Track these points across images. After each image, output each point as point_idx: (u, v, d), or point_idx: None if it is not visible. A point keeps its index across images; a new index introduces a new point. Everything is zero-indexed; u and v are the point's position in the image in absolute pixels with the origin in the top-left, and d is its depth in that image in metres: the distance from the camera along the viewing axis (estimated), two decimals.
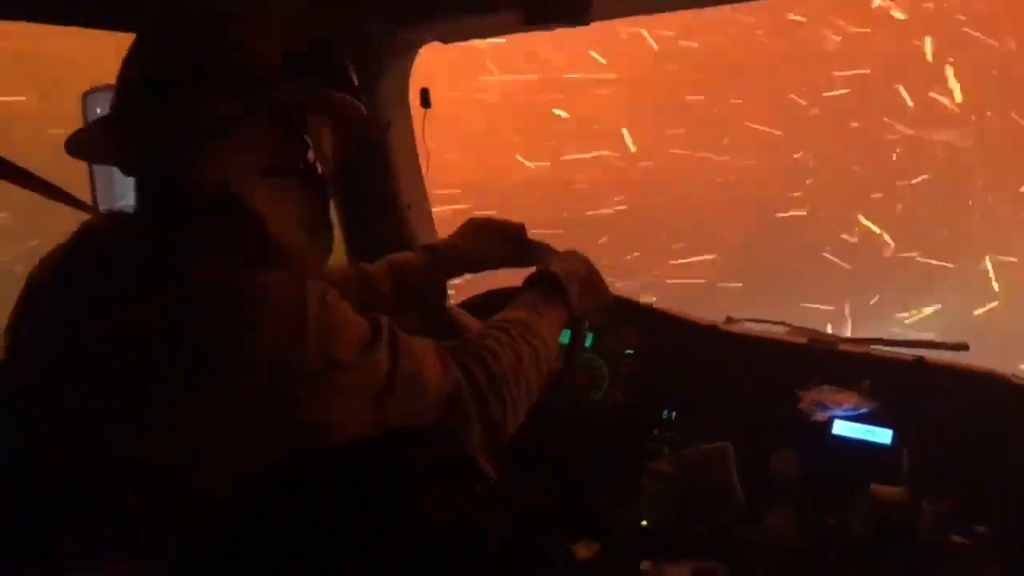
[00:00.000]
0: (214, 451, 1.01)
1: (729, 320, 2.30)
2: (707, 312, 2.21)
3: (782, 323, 2.21)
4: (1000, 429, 1.62)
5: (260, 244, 1.10)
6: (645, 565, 1.57)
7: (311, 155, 1.20)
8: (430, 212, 2.32)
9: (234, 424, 1.01)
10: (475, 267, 1.78)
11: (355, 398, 1.07)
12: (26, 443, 1.05)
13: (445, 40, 2.09)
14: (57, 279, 1.13)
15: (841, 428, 1.73)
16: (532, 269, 1.58)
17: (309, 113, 1.19)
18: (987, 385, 1.70)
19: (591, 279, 1.59)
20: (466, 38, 2.06)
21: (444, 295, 1.83)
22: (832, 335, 2.07)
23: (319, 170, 1.22)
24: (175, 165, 1.12)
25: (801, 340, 1.93)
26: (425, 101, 2.16)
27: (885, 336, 1.97)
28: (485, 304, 2.10)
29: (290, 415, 1.02)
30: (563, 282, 1.49)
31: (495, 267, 1.79)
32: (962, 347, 1.92)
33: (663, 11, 1.88)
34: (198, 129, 1.11)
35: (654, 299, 2.27)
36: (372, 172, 2.16)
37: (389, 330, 1.15)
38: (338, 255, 2.24)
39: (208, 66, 1.11)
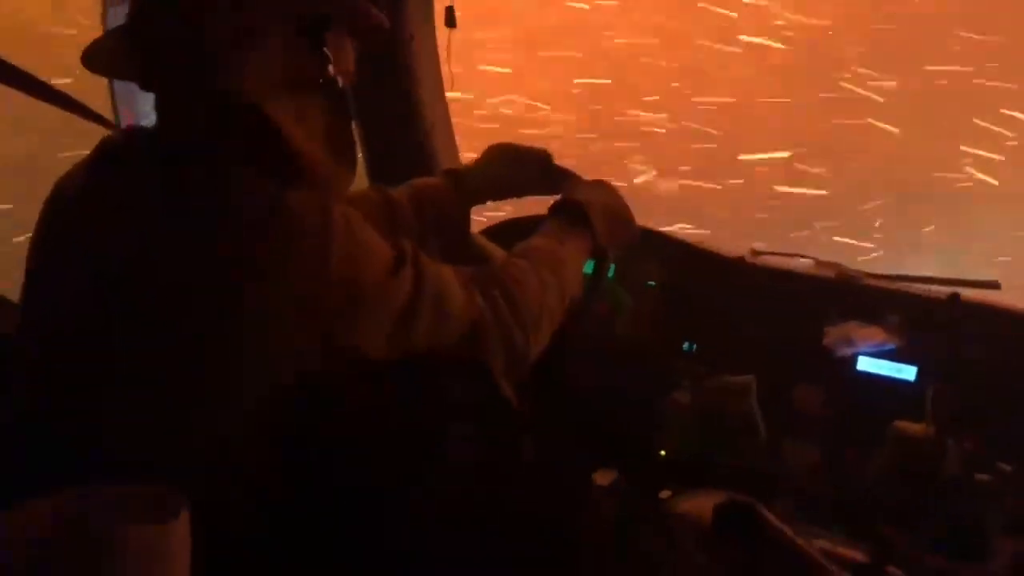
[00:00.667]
0: (247, 367, 1.00)
1: (754, 252, 2.26)
2: None
3: (809, 256, 2.18)
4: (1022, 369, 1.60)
5: (285, 161, 1.07)
6: (664, 494, 1.57)
7: (332, 69, 1.15)
8: (453, 135, 2.27)
9: (262, 340, 1.00)
10: (499, 194, 1.74)
11: (379, 320, 1.06)
12: (61, 359, 1.05)
13: None
14: (83, 196, 1.11)
15: (866, 364, 1.71)
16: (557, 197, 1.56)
17: (329, 26, 1.14)
18: (1016, 325, 1.66)
19: (618, 210, 1.55)
20: None
21: (467, 222, 1.80)
22: (859, 271, 2.03)
23: (340, 85, 1.18)
24: (195, 77, 1.08)
25: (828, 274, 1.89)
26: (450, 19, 2.10)
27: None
28: (508, 232, 2.06)
29: (317, 334, 1.01)
30: (588, 211, 1.46)
31: (520, 195, 1.75)
32: (994, 285, 1.88)
33: None
34: (218, 39, 1.06)
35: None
36: (393, 90, 2.11)
37: (413, 255, 1.13)
38: (360, 177, 2.22)
39: None
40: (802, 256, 2.18)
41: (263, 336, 1.00)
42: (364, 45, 1.24)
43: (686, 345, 1.92)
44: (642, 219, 1.58)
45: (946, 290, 1.80)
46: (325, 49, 1.14)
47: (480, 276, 1.23)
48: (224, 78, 1.07)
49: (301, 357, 1.01)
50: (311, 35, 1.12)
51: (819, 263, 2.09)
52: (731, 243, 2.17)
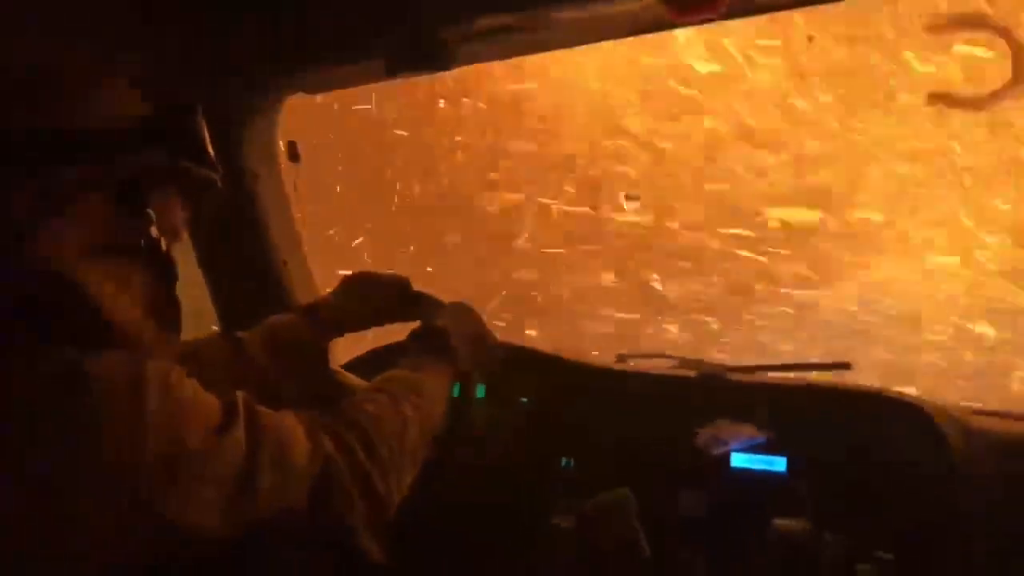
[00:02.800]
0: (65, 557, 0.89)
1: (621, 358, 2.29)
2: None
3: (670, 356, 2.22)
4: (886, 448, 1.64)
5: (92, 327, 0.99)
6: None
7: (155, 230, 1.10)
8: (308, 269, 2.23)
9: (75, 523, 0.89)
10: (359, 325, 1.71)
11: (213, 486, 0.97)
12: None
13: (310, 91, 2.03)
14: None
15: (739, 460, 1.72)
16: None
17: (153, 185, 1.09)
18: (868, 404, 1.72)
19: (479, 332, 1.55)
20: (332, 88, 2.00)
21: (326, 357, 1.75)
22: (720, 364, 2.08)
23: (163, 245, 1.12)
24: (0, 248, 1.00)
25: (691, 373, 1.92)
26: (293, 154, 2.09)
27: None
28: (371, 362, 2.02)
29: (143, 511, 0.91)
30: (450, 338, 1.44)
31: (380, 324, 1.73)
32: (844, 366, 1.96)
33: (521, 55, 1.87)
34: (23, 205, 0.99)
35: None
36: (240, 232, 2.06)
37: (246, 408, 1.05)
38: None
39: (34, 134, 1.00)
40: (665, 356, 2.22)
41: (76, 519, 0.89)
42: (194, 201, 1.20)
43: (564, 461, 1.88)
44: None
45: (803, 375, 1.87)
46: (148, 210, 1.09)
47: (332, 421, 1.17)
48: (31, 247, 1.00)
49: (126, 538, 0.91)
50: (127, 198, 1.06)
51: (683, 362, 2.14)
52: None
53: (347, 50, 1.75)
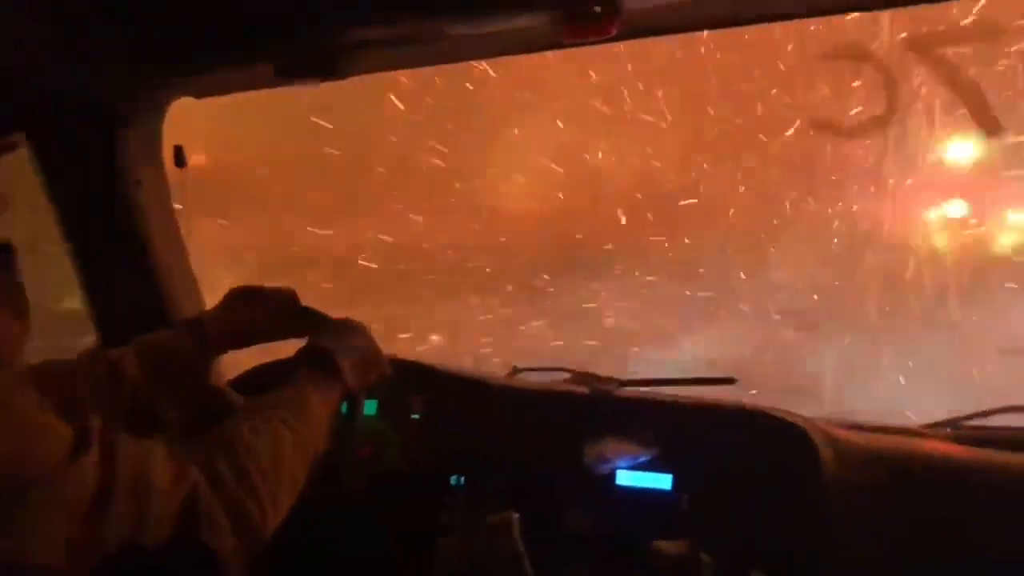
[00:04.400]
0: None
1: (514, 371, 2.29)
2: None
3: (564, 369, 2.23)
4: (763, 464, 1.68)
5: None
6: None
7: None
8: (194, 280, 2.14)
9: None
10: (243, 341, 1.65)
11: (57, 520, 0.90)
12: None
13: (197, 95, 1.95)
14: None
15: (625, 478, 1.74)
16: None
17: None
18: (747, 422, 1.76)
19: (368, 350, 1.52)
20: (218, 93, 1.92)
21: (208, 375, 1.68)
22: (611, 379, 2.10)
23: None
24: None
25: (583, 390, 1.93)
26: (179, 159, 2.01)
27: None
28: (255, 380, 1.95)
29: None
30: (336, 357, 1.40)
31: (265, 340, 1.67)
32: (729, 381, 2.00)
33: (416, 66, 1.84)
34: None
35: None
36: (120, 240, 1.96)
37: (101, 435, 0.98)
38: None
39: None
40: (562, 369, 2.23)
41: None
42: None
43: (454, 479, 1.86)
44: None
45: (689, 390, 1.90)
46: None
47: (204, 447, 1.12)
48: None
49: None
50: None
51: (575, 375, 2.15)
52: None
53: (235, 54, 1.69)
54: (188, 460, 1.07)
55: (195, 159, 2.05)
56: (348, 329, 1.53)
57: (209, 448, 1.12)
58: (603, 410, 1.86)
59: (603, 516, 1.72)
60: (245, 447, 1.14)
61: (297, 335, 1.61)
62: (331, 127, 5.27)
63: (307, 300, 1.67)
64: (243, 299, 1.65)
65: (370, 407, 1.97)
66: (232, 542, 1.07)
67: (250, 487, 1.11)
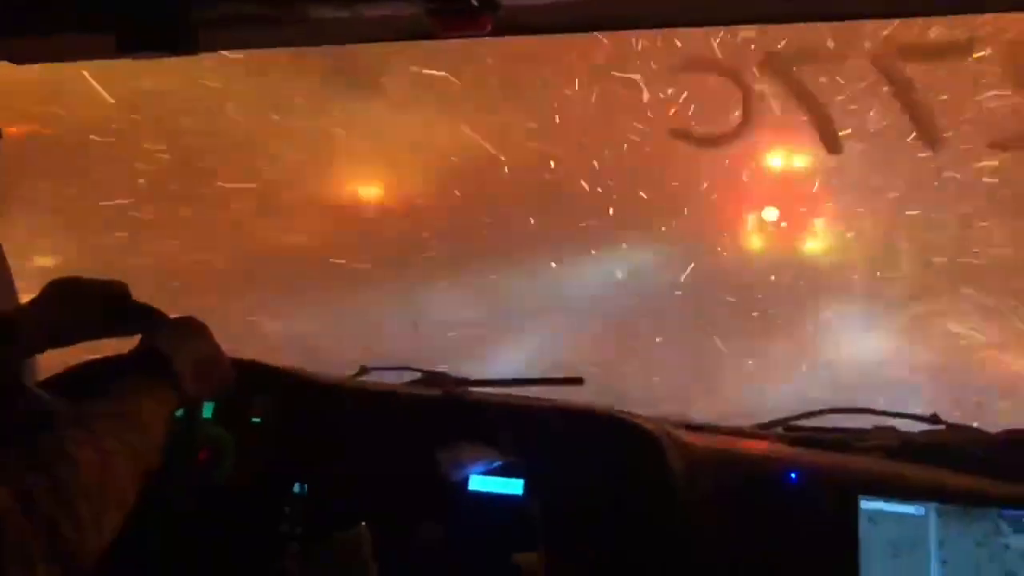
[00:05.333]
0: None
1: (363, 370, 2.22)
2: None
3: (414, 368, 2.19)
4: (614, 467, 1.71)
5: None
6: None
7: None
8: (8, 269, 1.91)
9: None
10: (63, 340, 1.48)
11: None
12: None
13: (18, 61, 1.74)
14: None
15: (477, 484, 1.72)
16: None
17: None
18: (599, 424, 1.79)
19: (209, 354, 1.40)
20: (44, 61, 1.73)
21: (21, 378, 1.50)
22: (462, 379, 2.08)
23: None
24: None
25: (435, 392, 1.89)
26: None
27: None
28: (79, 380, 1.77)
29: None
30: (171, 360, 1.28)
31: (90, 338, 1.51)
32: (576, 381, 2.03)
33: (272, 47, 1.76)
34: None
35: None
36: None
37: None
38: None
39: None
40: (411, 368, 2.19)
41: None
42: None
43: (297, 487, 1.77)
44: None
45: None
46: None
47: (11, 463, 0.99)
48: None
49: None
50: None
51: (427, 375, 2.11)
52: None
53: (66, 19, 1.53)
54: None
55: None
56: (187, 329, 1.40)
57: (19, 464, 0.98)
58: (454, 412, 1.83)
59: (455, 524, 1.69)
60: (64, 462, 1.01)
61: (127, 334, 1.47)
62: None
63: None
64: (65, 293, 1.48)
65: (206, 410, 1.84)
66: (46, 571, 0.95)
67: (69, 508, 0.98)
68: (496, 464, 1.71)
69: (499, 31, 1.43)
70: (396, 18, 1.46)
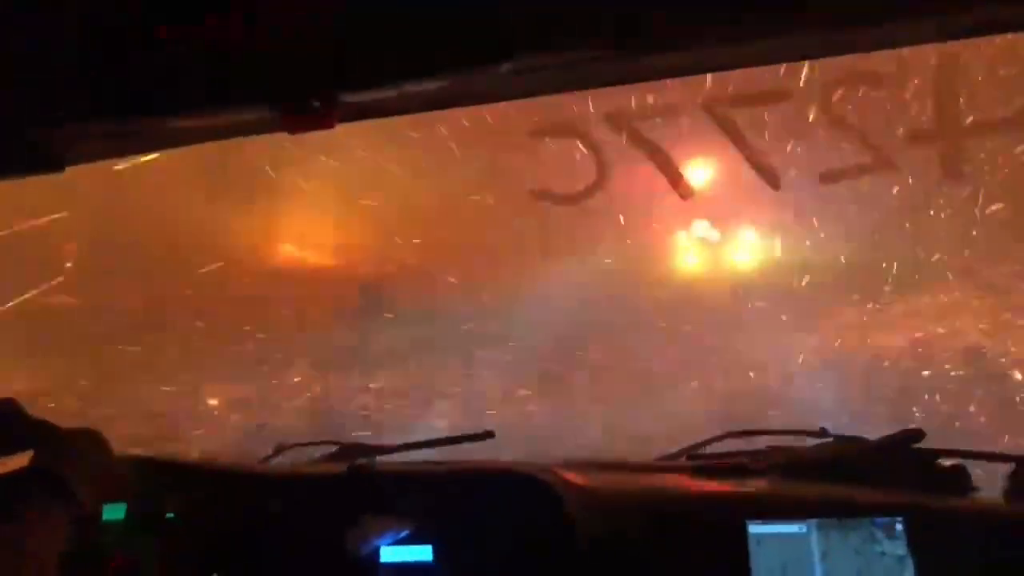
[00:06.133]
0: None
1: (279, 448, 2.25)
2: None
3: (333, 442, 2.22)
4: (514, 522, 1.74)
5: None
6: None
7: None
8: None
9: None
10: None
11: None
12: None
13: None
14: None
15: (388, 554, 1.75)
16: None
17: None
18: (496, 481, 1.83)
19: (104, 461, 1.41)
20: None
21: None
22: (377, 447, 2.13)
23: None
24: None
25: (341, 468, 1.92)
26: None
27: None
28: None
29: None
30: (65, 477, 1.30)
31: None
32: (488, 436, 2.08)
33: (144, 153, 1.79)
34: None
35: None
36: None
37: None
38: None
39: None
40: (327, 442, 2.22)
41: None
42: None
43: None
44: None
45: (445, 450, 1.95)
46: None
47: None
48: None
49: None
50: None
51: (342, 449, 2.15)
52: None
53: None
54: None
55: None
56: (79, 440, 1.42)
57: None
58: (364, 487, 1.86)
59: None
60: None
61: (18, 451, 1.47)
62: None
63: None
64: None
65: (118, 512, 1.85)
66: None
67: None
68: (403, 533, 1.75)
69: (346, 120, 1.50)
70: (247, 121, 1.51)
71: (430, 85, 1.41)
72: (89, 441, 1.43)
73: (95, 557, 1.64)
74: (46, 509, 1.27)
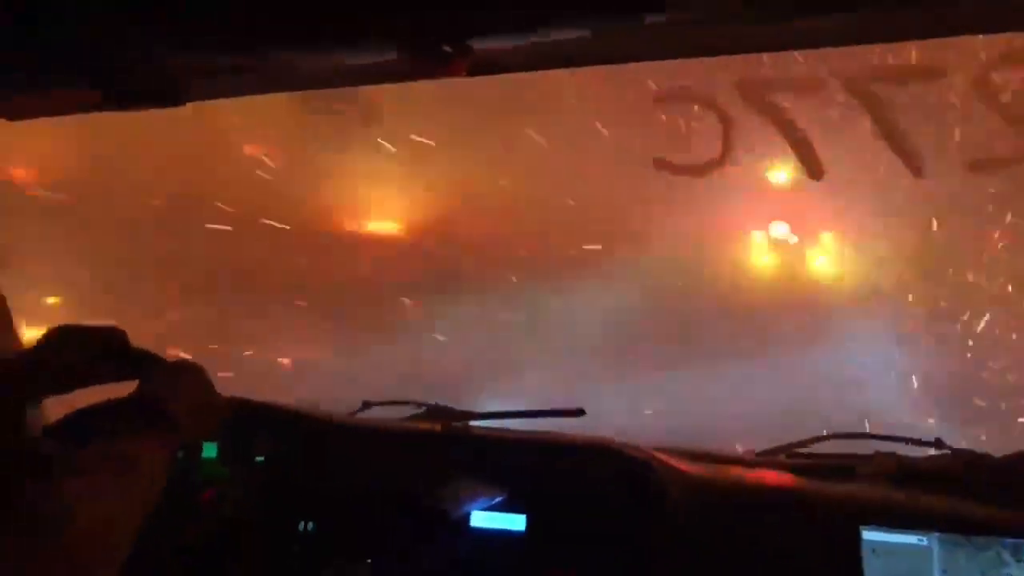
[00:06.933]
0: None
1: (364, 406, 2.23)
2: None
3: (415, 402, 2.20)
4: (612, 500, 1.69)
5: None
6: None
7: None
8: (8, 319, 1.94)
9: None
10: (64, 386, 1.51)
11: None
12: None
13: (12, 117, 1.78)
14: None
15: (479, 519, 1.71)
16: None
17: None
18: (598, 457, 1.77)
19: (203, 395, 1.42)
20: (32, 116, 1.76)
21: (21, 424, 1.52)
22: (463, 412, 2.08)
23: None
24: None
25: (435, 427, 1.89)
26: None
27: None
28: (79, 426, 1.79)
29: None
30: (169, 405, 1.30)
31: (86, 384, 1.53)
32: (578, 413, 2.02)
33: (265, 92, 1.77)
34: None
35: None
36: None
37: None
38: None
39: None
40: (413, 402, 2.19)
41: None
42: None
43: (302, 525, 1.78)
44: None
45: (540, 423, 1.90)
46: None
47: (10, 514, 1.01)
48: None
49: None
50: None
51: (430, 410, 2.11)
52: None
53: (54, 75, 1.56)
54: None
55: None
56: (182, 372, 1.43)
57: (19, 515, 1.01)
58: (455, 448, 1.83)
59: (457, 561, 1.68)
60: (65, 511, 1.04)
61: (126, 379, 1.49)
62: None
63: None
64: (64, 339, 1.50)
65: (210, 450, 1.86)
66: None
67: (65, 551, 1.01)
68: (497, 499, 1.71)
69: (474, 72, 1.44)
70: (373, 65, 1.47)
71: (568, 34, 1.35)
72: (193, 375, 1.44)
73: (191, 489, 1.65)
74: (153, 430, 1.27)
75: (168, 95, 1.55)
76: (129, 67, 1.51)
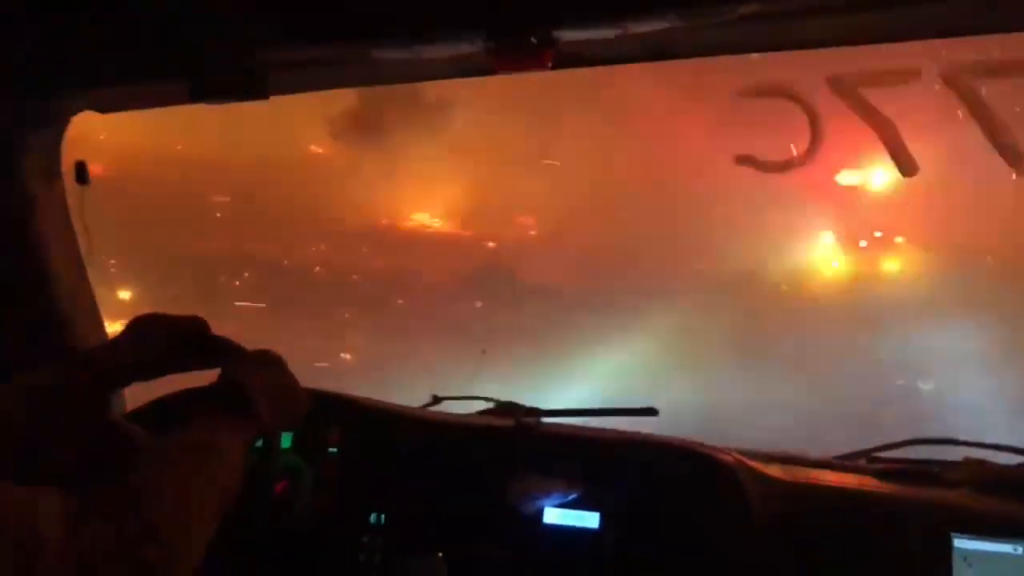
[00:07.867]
0: None
1: (435, 399, 2.23)
2: None
3: (486, 398, 2.19)
4: (690, 501, 1.67)
5: None
6: None
7: None
8: (95, 303, 1.99)
9: None
10: (147, 374, 1.54)
11: None
12: None
13: (102, 110, 1.83)
14: None
15: (552, 516, 1.70)
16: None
17: None
18: (676, 457, 1.75)
19: (283, 384, 1.43)
20: (125, 109, 1.81)
21: (106, 411, 1.56)
22: (533, 409, 2.07)
23: None
24: None
25: (508, 423, 1.88)
26: (81, 176, 1.88)
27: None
28: (162, 413, 1.83)
29: None
30: (249, 392, 1.32)
31: (171, 372, 1.56)
32: (651, 412, 1.99)
33: (340, 87, 1.79)
34: None
35: None
36: (12, 260, 1.81)
37: None
38: None
39: None
40: (483, 397, 2.19)
41: None
42: None
43: (374, 517, 1.79)
44: None
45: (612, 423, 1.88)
46: None
47: (101, 496, 1.03)
48: None
49: None
50: None
51: (499, 405, 2.11)
52: None
53: (144, 68, 1.59)
54: (85, 511, 0.98)
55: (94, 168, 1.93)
56: (264, 362, 1.45)
57: (109, 497, 1.02)
58: (528, 443, 1.82)
59: (530, 556, 1.67)
60: (150, 494, 1.06)
61: (207, 367, 1.51)
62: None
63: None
64: (148, 328, 1.53)
65: (285, 440, 1.88)
66: None
67: (155, 539, 1.02)
68: (571, 496, 1.69)
69: (559, 65, 1.43)
70: (454, 58, 1.47)
71: (656, 25, 1.32)
72: (274, 365, 1.45)
73: (267, 476, 1.66)
74: (233, 418, 1.29)
75: (255, 88, 1.57)
76: (218, 60, 1.54)
